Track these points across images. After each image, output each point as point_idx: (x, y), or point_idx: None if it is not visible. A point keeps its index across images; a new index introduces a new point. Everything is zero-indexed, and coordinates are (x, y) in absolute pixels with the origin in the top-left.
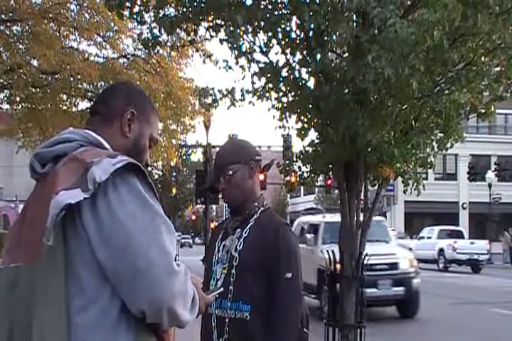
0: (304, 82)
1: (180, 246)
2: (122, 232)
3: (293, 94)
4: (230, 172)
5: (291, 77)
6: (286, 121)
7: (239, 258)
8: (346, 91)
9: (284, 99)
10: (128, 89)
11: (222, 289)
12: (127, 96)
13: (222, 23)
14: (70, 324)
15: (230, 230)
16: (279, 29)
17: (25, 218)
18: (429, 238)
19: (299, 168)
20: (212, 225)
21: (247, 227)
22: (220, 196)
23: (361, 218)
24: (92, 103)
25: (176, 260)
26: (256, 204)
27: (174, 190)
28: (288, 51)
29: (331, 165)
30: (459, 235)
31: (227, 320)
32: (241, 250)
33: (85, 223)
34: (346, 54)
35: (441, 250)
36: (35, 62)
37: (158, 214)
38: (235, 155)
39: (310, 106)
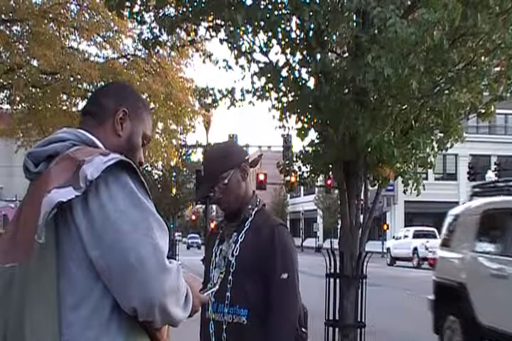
0: (304, 82)
1: (187, 247)
2: (113, 229)
3: (293, 94)
4: (226, 181)
5: (291, 77)
6: (286, 121)
7: (235, 263)
8: (346, 91)
9: (284, 99)
10: (119, 88)
11: (217, 287)
12: (119, 95)
13: (222, 23)
14: (61, 322)
15: (227, 236)
16: (279, 29)
17: (20, 218)
18: (405, 237)
19: (299, 168)
20: (212, 225)
21: (243, 231)
22: (216, 204)
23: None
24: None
25: (176, 259)
26: (250, 206)
27: (174, 190)
28: (288, 51)
29: (331, 165)
30: (433, 235)
31: (224, 326)
32: (237, 255)
33: (77, 221)
34: (346, 54)
35: (415, 249)
36: (35, 62)
37: (149, 212)
38: (226, 160)
39: (310, 106)
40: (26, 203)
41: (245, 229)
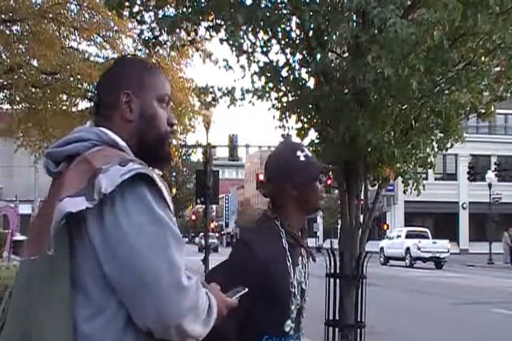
0: (303, 82)
1: (199, 249)
2: (128, 245)
3: (293, 94)
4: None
5: (291, 77)
6: (286, 121)
7: (307, 292)
8: (346, 91)
9: (284, 99)
10: (112, 73)
11: (246, 289)
12: (114, 82)
13: (223, 22)
14: (76, 333)
15: (297, 262)
16: (279, 29)
17: (44, 214)
18: (398, 237)
19: None
20: (212, 225)
21: (305, 255)
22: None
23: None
24: (92, 103)
25: None
26: None
27: (174, 190)
28: (288, 51)
29: (331, 165)
30: (424, 235)
31: None
32: (307, 283)
33: (91, 233)
34: (346, 54)
35: (407, 249)
36: (35, 62)
37: (167, 226)
38: None
39: (310, 106)
40: (47, 201)
41: (305, 251)
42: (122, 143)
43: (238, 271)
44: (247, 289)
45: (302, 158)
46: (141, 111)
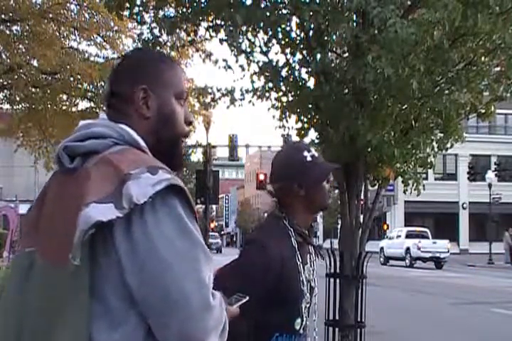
0: (303, 82)
1: None
2: (158, 260)
3: (293, 94)
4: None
5: (291, 77)
6: (286, 121)
7: (317, 291)
8: (346, 91)
9: (284, 99)
10: (129, 65)
11: (247, 298)
12: (131, 75)
13: (222, 23)
14: None
15: (305, 261)
16: (279, 29)
17: (44, 206)
18: (398, 237)
19: None
20: (212, 225)
21: (313, 253)
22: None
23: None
24: (92, 102)
25: None
26: None
27: None
28: (288, 51)
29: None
30: (424, 235)
31: None
32: (316, 280)
33: (117, 243)
34: (346, 54)
35: (407, 249)
36: (35, 62)
37: (197, 242)
38: None
39: (310, 106)
40: (54, 195)
41: (313, 249)
42: (143, 144)
43: (253, 271)
44: (247, 297)
45: (309, 158)
46: (158, 108)
